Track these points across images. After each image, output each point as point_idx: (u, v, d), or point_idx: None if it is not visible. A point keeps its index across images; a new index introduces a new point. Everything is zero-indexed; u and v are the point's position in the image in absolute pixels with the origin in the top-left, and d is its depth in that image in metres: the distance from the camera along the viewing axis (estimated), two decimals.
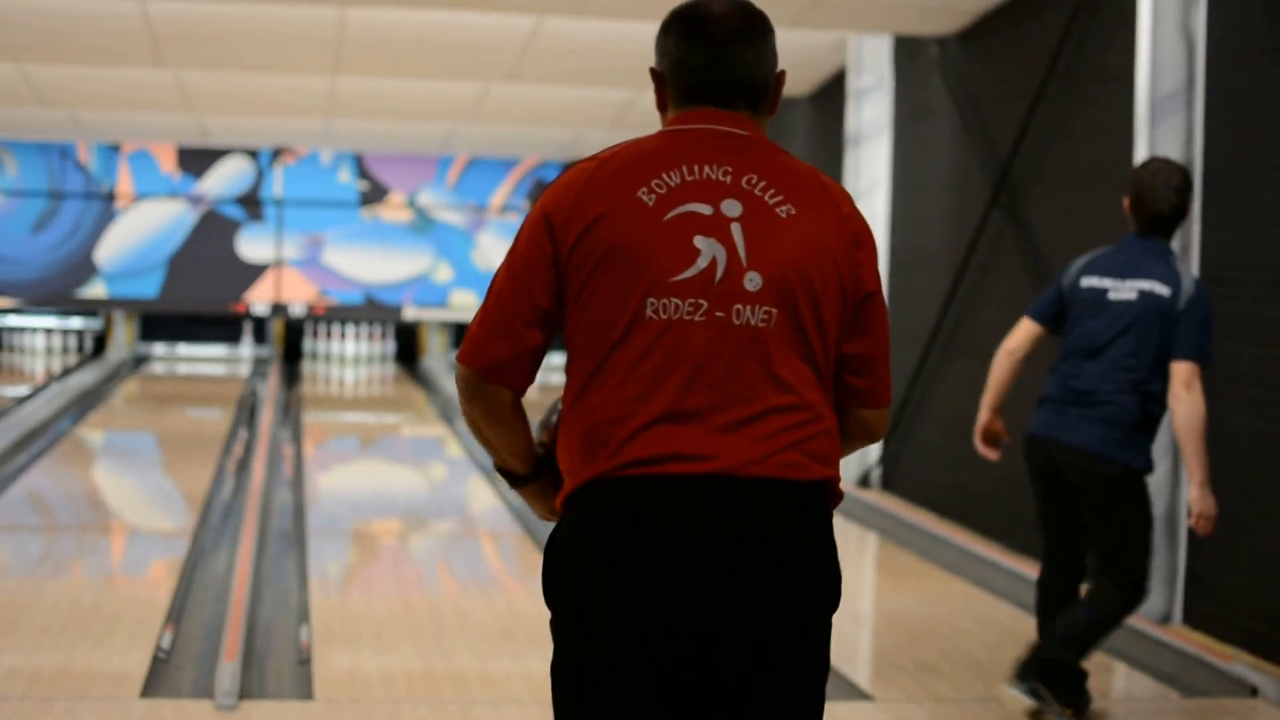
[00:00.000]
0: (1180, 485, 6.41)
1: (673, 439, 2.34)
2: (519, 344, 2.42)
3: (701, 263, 2.36)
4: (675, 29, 2.48)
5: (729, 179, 2.41)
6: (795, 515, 2.37)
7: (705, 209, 2.38)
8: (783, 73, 2.51)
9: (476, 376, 2.44)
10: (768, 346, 2.36)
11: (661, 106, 2.55)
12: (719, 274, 2.36)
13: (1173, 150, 6.36)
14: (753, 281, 2.36)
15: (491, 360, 2.43)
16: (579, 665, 2.38)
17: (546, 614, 2.49)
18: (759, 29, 2.46)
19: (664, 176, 2.40)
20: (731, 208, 2.39)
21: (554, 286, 2.40)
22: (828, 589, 2.43)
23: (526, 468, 2.53)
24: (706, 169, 2.41)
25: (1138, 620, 6.24)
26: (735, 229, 2.37)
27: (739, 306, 2.36)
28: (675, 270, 2.35)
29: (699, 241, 2.36)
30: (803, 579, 2.38)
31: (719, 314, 2.35)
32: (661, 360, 2.35)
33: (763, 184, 2.42)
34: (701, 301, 2.35)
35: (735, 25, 2.45)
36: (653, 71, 2.55)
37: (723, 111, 2.47)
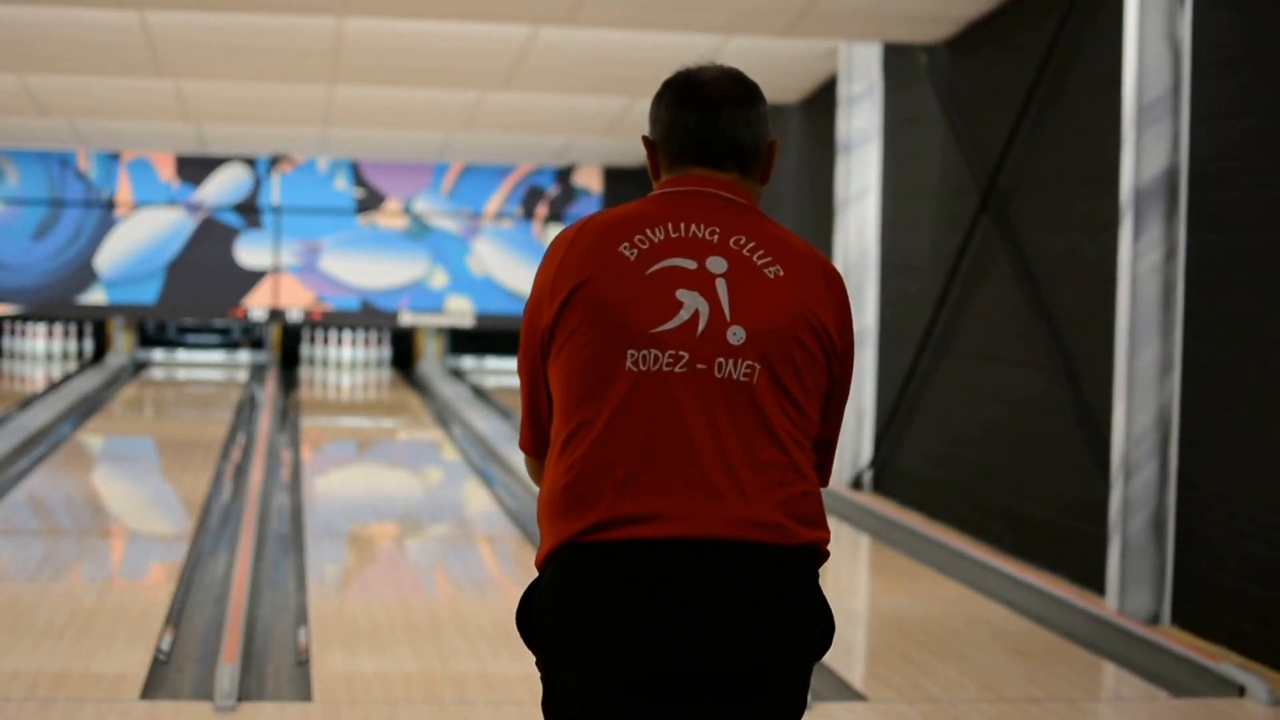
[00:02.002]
0: (1169, 485, 6.46)
1: (651, 498, 2.29)
2: (544, 428, 2.47)
3: (684, 315, 2.32)
4: (668, 95, 2.49)
5: (716, 238, 2.38)
6: (777, 581, 2.31)
7: (690, 264, 2.35)
8: (775, 142, 2.50)
9: (528, 455, 2.55)
10: (748, 398, 2.31)
11: (654, 174, 2.52)
12: (701, 327, 2.32)
13: (1159, 155, 6.39)
14: (736, 335, 2.32)
15: (532, 442, 2.51)
16: (560, 705, 2.38)
17: None
18: (750, 96, 2.46)
19: (647, 233, 2.37)
20: (717, 264, 2.35)
21: (542, 350, 2.42)
22: (811, 645, 2.37)
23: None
24: (693, 227, 2.38)
25: (1126, 620, 6.29)
26: (720, 284, 2.34)
27: (721, 360, 2.31)
28: (656, 322, 2.31)
29: (681, 294, 2.32)
30: (784, 641, 2.32)
31: (700, 366, 2.30)
32: (641, 412, 2.30)
33: (751, 245, 2.39)
34: (683, 353, 2.31)
35: (728, 90, 2.45)
36: (645, 140, 2.54)
37: (714, 174, 2.45)
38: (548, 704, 2.41)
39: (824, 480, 2.48)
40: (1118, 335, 6.58)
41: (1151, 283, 6.46)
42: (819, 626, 2.38)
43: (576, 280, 2.35)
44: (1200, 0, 6.32)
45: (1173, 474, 6.45)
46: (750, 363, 2.32)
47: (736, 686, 2.31)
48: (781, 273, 2.38)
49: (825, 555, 2.40)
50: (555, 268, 2.38)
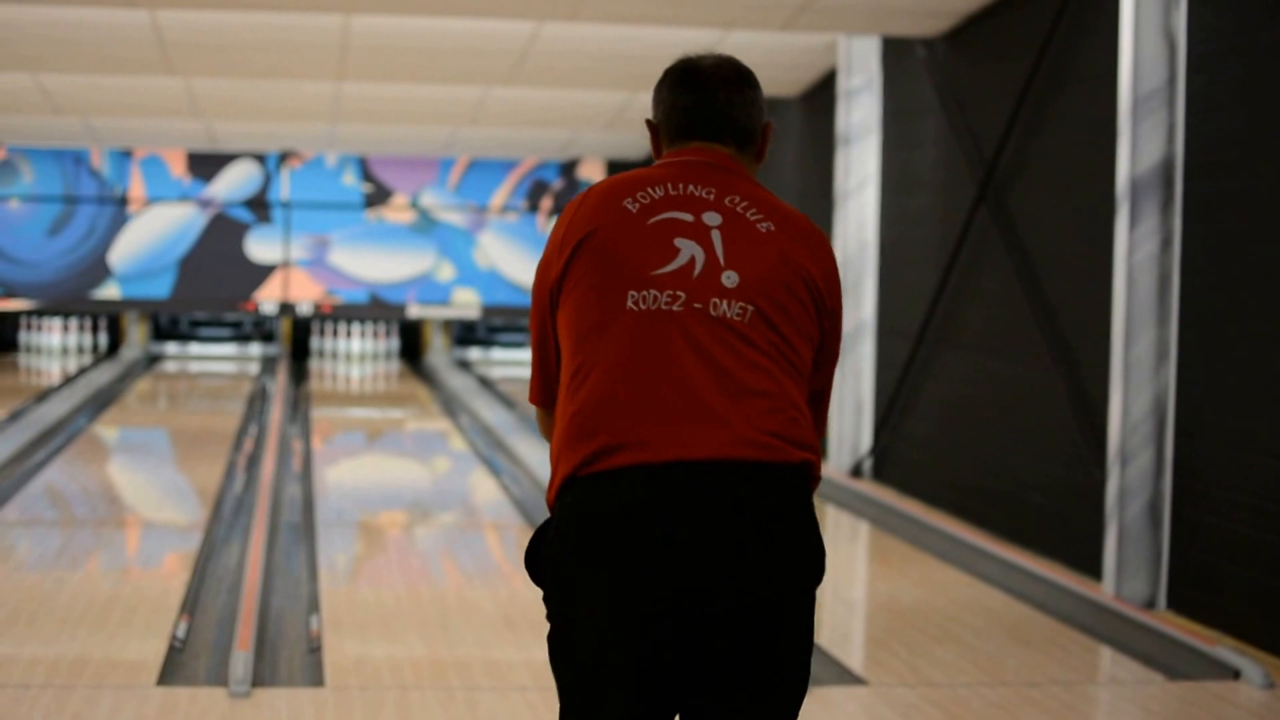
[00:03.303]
0: (1164, 472, 6.51)
1: (649, 425, 2.40)
2: (553, 380, 2.61)
3: (681, 260, 2.47)
4: (669, 79, 2.66)
5: (712, 196, 2.53)
6: (774, 496, 2.41)
7: (687, 216, 2.50)
8: (770, 123, 2.65)
9: (538, 407, 2.68)
10: (742, 336, 2.44)
11: (657, 154, 2.68)
12: (697, 270, 2.46)
13: (1154, 147, 6.42)
14: (730, 279, 2.46)
15: (540, 393, 2.65)
16: (570, 641, 2.46)
17: None
18: (746, 80, 2.63)
19: (649, 190, 2.53)
20: (712, 218, 2.51)
21: (552, 298, 2.56)
22: (808, 566, 2.46)
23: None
24: (691, 187, 2.54)
25: (1123, 605, 6.32)
26: (715, 235, 2.49)
27: (716, 300, 2.45)
28: (655, 266, 2.46)
29: (679, 242, 2.48)
30: (782, 558, 2.41)
31: (697, 305, 2.44)
32: (641, 348, 2.43)
33: (744, 203, 2.54)
34: (680, 293, 2.44)
35: (725, 74, 2.62)
36: (649, 123, 2.71)
37: (712, 146, 2.61)
38: (555, 640, 2.49)
39: (820, 428, 2.60)
40: (1114, 324, 6.61)
41: (1147, 273, 6.49)
42: (812, 546, 2.47)
43: (584, 232, 2.50)
44: None
45: (1169, 461, 6.48)
46: (743, 304, 2.46)
47: (742, 604, 2.39)
48: (772, 228, 2.53)
49: (817, 479, 2.51)
50: (565, 227, 2.54)
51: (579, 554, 2.42)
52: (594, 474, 2.42)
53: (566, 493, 2.46)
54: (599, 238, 2.49)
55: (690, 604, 2.39)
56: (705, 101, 2.60)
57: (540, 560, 2.55)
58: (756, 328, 2.46)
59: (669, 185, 2.54)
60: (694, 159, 2.59)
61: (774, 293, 2.47)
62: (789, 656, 2.45)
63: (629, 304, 2.45)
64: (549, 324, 2.56)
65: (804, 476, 2.47)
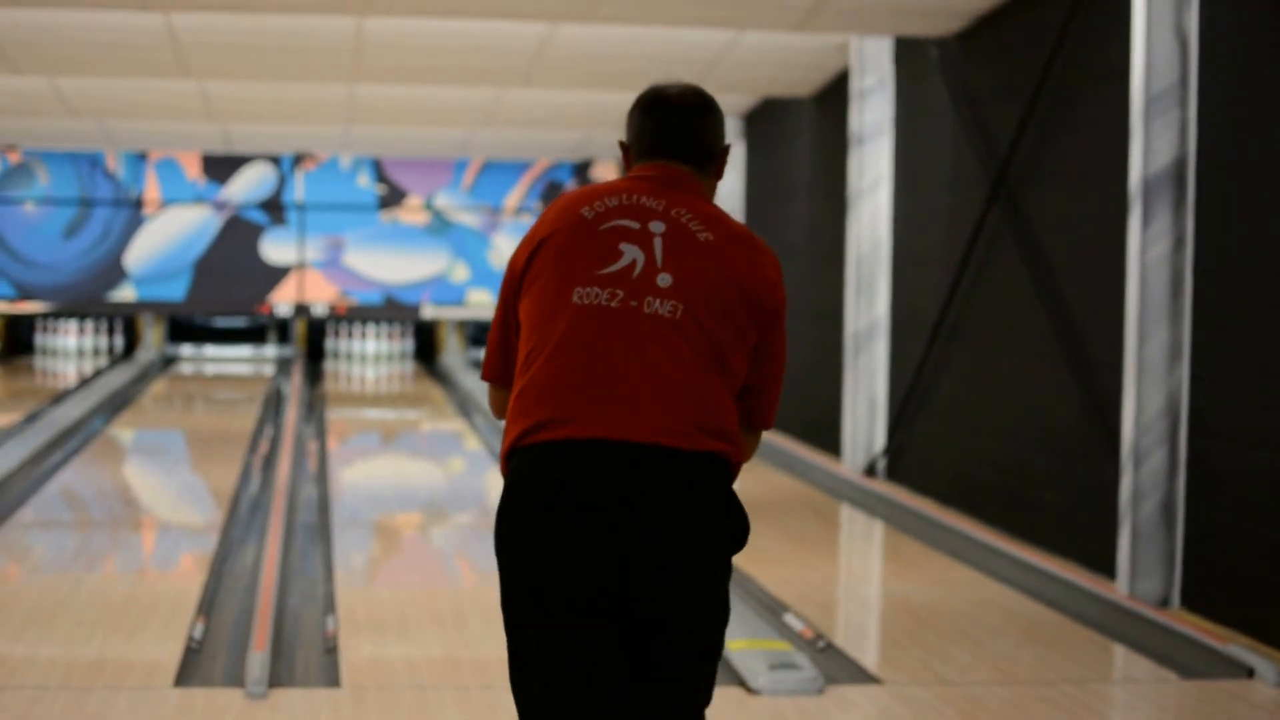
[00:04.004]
0: (1178, 471, 6.52)
1: (577, 406, 2.69)
2: (508, 360, 2.91)
3: (623, 262, 2.77)
4: (639, 106, 2.97)
5: (660, 208, 2.83)
6: (684, 479, 2.68)
7: (634, 224, 2.80)
8: (728, 146, 2.96)
9: (487, 383, 2.97)
10: (671, 332, 2.72)
11: (627, 171, 2.99)
12: (637, 271, 2.76)
13: (1167, 146, 6.42)
14: (664, 280, 2.75)
15: (491, 370, 2.96)
16: (513, 601, 2.77)
17: None
18: (708, 106, 2.95)
19: (605, 200, 2.84)
20: (657, 226, 2.81)
21: (517, 294, 2.87)
22: (714, 543, 2.72)
23: None
24: (643, 199, 2.84)
25: (1137, 604, 6.32)
26: (657, 241, 2.79)
27: (650, 298, 2.74)
28: (600, 266, 2.76)
29: (623, 246, 2.78)
30: (686, 534, 2.68)
31: (632, 303, 2.73)
32: (580, 338, 2.73)
33: (689, 215, 2.83)
34: (619, 291, 2.74)
35: (688, 101, 2.94)
36: (621, 144, 3.01)
37: (672, 164, 2.91)
38: (503, 600, 2.81)
39: (763, 420, 2.89)
40: (1127, 324, 6.61)
41: (1160, 272, 6.49)
42: (723, 523, 2.75)
43: (546, 234, 2.83)
44: None
45: (1182, 460, 6.48)
46: (674, 302, 2.75)
47: (648, 572, 2.68)
48: (712, 238, 2.81)
49: (732, 466, 2.78)
50: (534, 228, 2.87)
51: (516, 513, 2.74)
52: (530, 445, 2.73)
53: (510, 460, 2.79)
54: (556, 240, 2.80)
55: (603, 565, 2.67)
56: (669, 125, 2.91)
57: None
58: (686, 325, 2.73)
59: (624, 196, 2.84)
60: (654, 174, 2.90)
61: (705, 295, 2.74)
62: (687, 622, 2.71)
63: (574, 298, 2.74)
64: (512, 309, 2.87)
65: (716, 464, 2.72)
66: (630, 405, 2.68)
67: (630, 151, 2.98)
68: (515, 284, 2.86)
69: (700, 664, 2.74)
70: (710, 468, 2.72)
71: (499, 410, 2.94)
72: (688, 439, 2.69)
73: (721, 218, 2.84)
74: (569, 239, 2.80)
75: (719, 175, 2.95)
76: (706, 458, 2.71)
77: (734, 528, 2.76)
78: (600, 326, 2.73)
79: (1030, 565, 7.06)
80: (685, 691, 2.73)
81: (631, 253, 2.77)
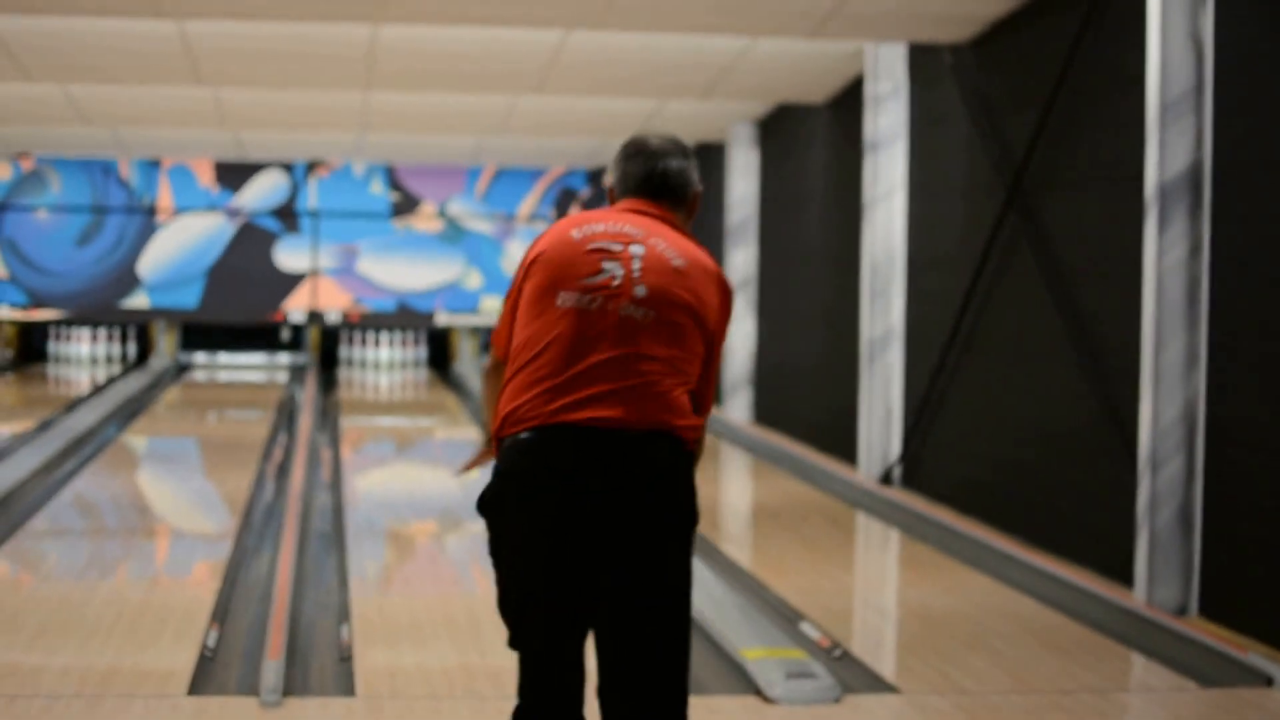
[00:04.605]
0: (1195, 478, 6.50)
1: (558, 392, 3.17)
2: (505, 336, 3.37)
3: (604, 275, 3.23)
4: (623, 153, 3.44)
5: (640, 235, 3.29)
6: (647, 452, 3.16)
7: (617, 246, 3.26)
8: (699, 191, 3.44)
9: (495, 359, 3.43)
10: (643, 334, 3.20)
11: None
12: (615, 283, 3.22)
13: (1183, 151, 6.41)
14: (640, 290, 3.22)
15: (500, 350, 3.40)
16: (498, 552, 3.26)
17: None
18: (684, 154, 3.44)
19: (593, 226, 3.30)
20: (636, 249, 3.26)
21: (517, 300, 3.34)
22: (674, 508, 3.21)
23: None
24: (626, 227, 3.31)
25: (1155, 612, 6.31)
26: (635, 261, 3.25)
27: (626, 304, 3.21)
28: (584, 276, 3.23)
29: (605, 263, 3.24)
30: (650, 499, 3.17)
31: (609, 307, 3.20)
32: (562, 333, 3.20)
33: (664, 244, 3.30)
34: (599, 296, 3.21)
35: (667, 149, 3.43)
36: (606, 186, 3.46)
37: (651, 201, 3.40)
38: (491, 550, 3.28)
39: (706, 407, 3.34)
40: (1144, 330, 6.60)
41: (1177, 278, 6.48)
42: (679, 494, 3.21)
43: (541, 250, 3.30)
44: None
45: (1200, 467, 6.47)
46: (646, 309, 3.22)
47: (622, 530, 3.15)
48: (683, 264, 3.28)
49: (692, 444, 3.24)
50: (534, 244, 3.35)
51: (504, 485, 3.21)
52: (513, 431, 3.21)
53: (501, 440, 3.25)
54: (547, 254, 3.27)
55: (581, 526, 3.14)
56: (650, 169, 3.39)
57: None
58: (654, 328, 3.21)
59: (609, 224, 3.30)
60: (636, 208, 3.37)
61: (672, 306, 3.22)
62: (656, 575, 3.18)
63: (558, 301, 3.21)
64: (516, 306, 3.33)
65: (675, 440, 3.20)
66: (603, 392, 3.16)
67: (614, 192, 3.45)
68: (519, 287, 3.34)
69: (676, 609, 3.21)
70: (671, 443, 3.20)
71: (495, 383, 3.39)
72: (651, 421, 3.17)
73: (692, 249, 3.33)
74: (558, 254, 3.26)
75: (691, 215, 3.43)
76: (667, 435, 3.19)
77: (689, 501, 3.24)
78: (580, 324, 3.19)
79: (1047, 573, 7.05)
80: (670, 620, 3.21)
81: (612, 268, 3.23)
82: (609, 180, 3.45)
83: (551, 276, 3.24)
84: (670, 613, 3.22)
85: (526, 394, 3.19)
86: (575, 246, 3.26)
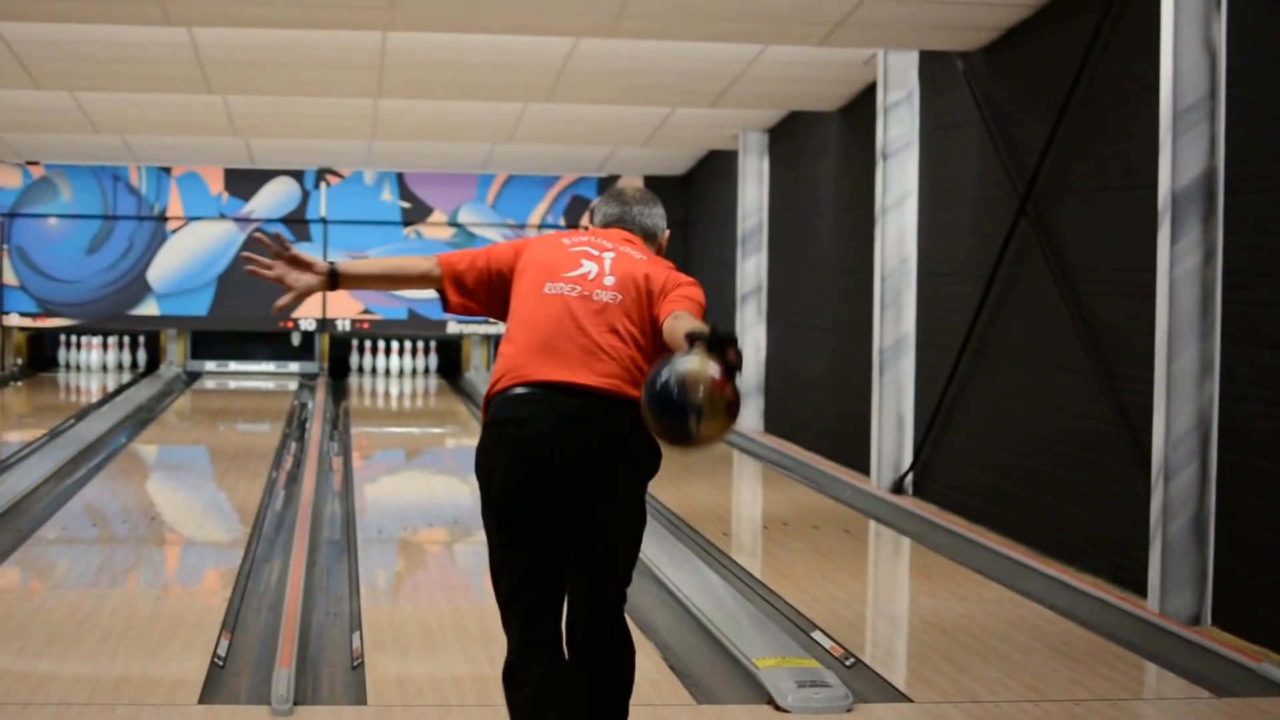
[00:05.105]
0: (1209, 487, 6.49)
1: (537, 362, 3.83)
2: (466, 262, 4.04)
3: (583, 270, 3.93)
4: (602, 200, 4.21)
5: (613, 245, 4.03)
6: (613, 413, 3.81)
7: (594, 250, 3.99)
8: (669, 231, 4.22)
9: (442, 267, 4.04)
10: (612, 313, 3.88)
11: None
12: (590, 276, 3.92)
13: (1196, 159, 6.41)
14: (609, 280, 3.92)
15: (446, 258, 4.06)
16: (487, 506, 3.90)
17: None
18: (654, 201, 4.21)
19: (578, 237, 4.05)
20: (609, 254, 3.99)
21: (498, 271, 4.02)
22: (629, 462, 3.85)
23: (341, 280, 4.04)
24: (604, 240, 4.05)
25: (1168, 621, 6.31)
26: (607, 259, 3.96)
27: (599, 291, 3.90)
28: (566, 270, 3.94)
29: (584, 262, 3.96)
30: (616, 451, 3.82)
31: (586, 293, 3.90)
32: (545, 315, 3.88)
33: (631, 249, 4.02)
34: (577, 286, 3.91)
35: (639, 196, 4.19)
36: (584, 227, 4.18)
37: (625, 232, 4.13)
38: (482, 506, 3.93)
39: (700, 307, 3.91)
40: (1157, 338, 6.59)
41: (1190, 286, 6.47)
42: (643, 448, 3.84)
43: (532, 248, 4.04)
44: (1235, 4, 6.35)
45: (1213, 475, 6.46)
46: (614, 292, 3.91)
47: (584, 480, 3.80)
48: (644, 259, 3.99)
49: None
50: (529, 241, 4.07)
51: (488, 439, 3.87)
52: (501, 389, 3.88)
53: (490, 401, 3.91)
54: (540, 250, 4.02)
55: (550, 474, 3.79)
56: (625, 211, 4.16)
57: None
58: (618, 310, 3.88)
59: (590, 237, 4.05)
60: (613, 232, 4.12)
61: (631, 287, 3.91)
62: (616, 516, 3.89)
63: (545, 289, 3.91)
64: (493, 261, 4.03)
65: (630, 406, 3.77)
66: (573, 361, 3.82)
67: (592, 229, 4.18)
68: (508, 260, 4.03)
69: (626, 539, 3.93)
70: (627, 409, 3.79)
71: (418, 276, 4.05)
72: (616, 386, 3.82)
73: (655, 256, 4.05)
74: (547, 253, 3.99)
75: (660, 250, 4.15)
76: (624, 401, 3.81)
77: (650, 454, 3.87)
78: (562, 310, 3.87)
79: (1060, 582, 7.04)
80: (617, 548, 3.92)
81: (589, 265, 3.94)
82: (587, 221, 4.10)
83: (543, 271, 3.93)
84: (620, 522, 3.94)
85: (517, 359, 3.86)
86: (563, 249, 3.99)
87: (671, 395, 3.42)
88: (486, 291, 4.02)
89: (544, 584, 3.88)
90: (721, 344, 3.42)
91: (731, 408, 3.43)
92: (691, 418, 3.41)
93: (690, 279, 3.94)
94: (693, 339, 3.46)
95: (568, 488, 3.78)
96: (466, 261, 4.01)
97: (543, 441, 3.76)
